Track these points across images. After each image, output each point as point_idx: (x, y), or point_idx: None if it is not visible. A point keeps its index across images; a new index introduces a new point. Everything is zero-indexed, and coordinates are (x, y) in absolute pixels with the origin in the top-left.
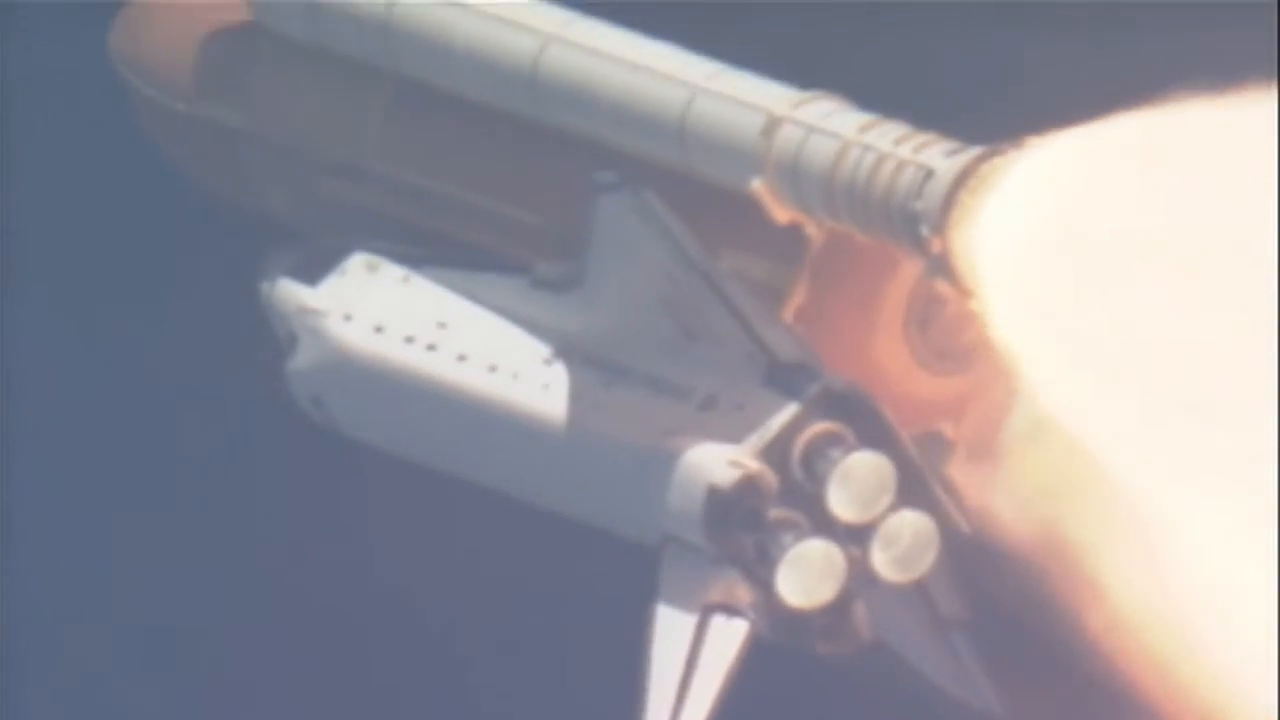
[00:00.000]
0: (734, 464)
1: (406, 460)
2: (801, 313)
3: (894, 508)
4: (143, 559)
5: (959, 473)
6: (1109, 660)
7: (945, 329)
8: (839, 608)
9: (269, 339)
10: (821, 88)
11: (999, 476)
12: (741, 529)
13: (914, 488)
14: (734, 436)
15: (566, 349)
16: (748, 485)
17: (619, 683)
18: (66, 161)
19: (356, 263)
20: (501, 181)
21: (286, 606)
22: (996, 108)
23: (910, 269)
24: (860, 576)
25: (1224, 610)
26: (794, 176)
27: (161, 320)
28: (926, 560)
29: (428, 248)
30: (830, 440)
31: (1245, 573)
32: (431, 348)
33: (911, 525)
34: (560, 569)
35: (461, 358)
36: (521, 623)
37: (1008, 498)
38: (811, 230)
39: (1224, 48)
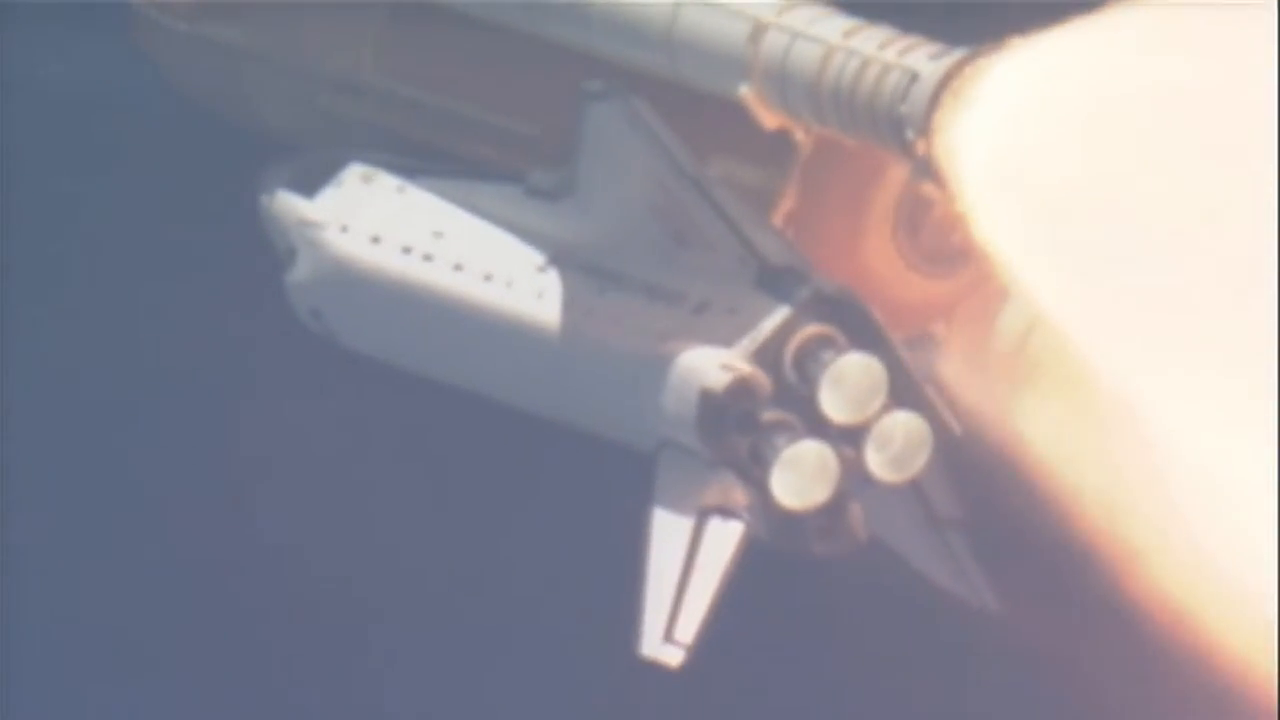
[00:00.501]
0: (726, 367)
1: (404, 370)
2: (791, 217)
3: (886, 409)
4: (143, 556)
5: (952, 374)
6: (1103, 557)
7: (934, 232)
8: (834, 508)
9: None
10: None
11: (992, 377)
12: (735, 431)
13: (905, 389)
14: (726, 340)
15: (560, 256)
16: (740, 388)
17: (616, 586)
18: (67, 162)
19: (353, 174)
20: (495, 93)
21: (291, 604)
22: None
23: (898, 173)
24: (855, 477)
25: (1219, 503)
26: (781, 82)
27: (157, 316)
28: (920, 460)
29: (423, 159)
30: (822, 343)
31: (1238, 464)
32: (428, 257)
33: (904, 425)
34: (555, 476)
35: (457, 266)
36: (518, 529)
37: (1001, 397)
38: (800, 135)
39: None
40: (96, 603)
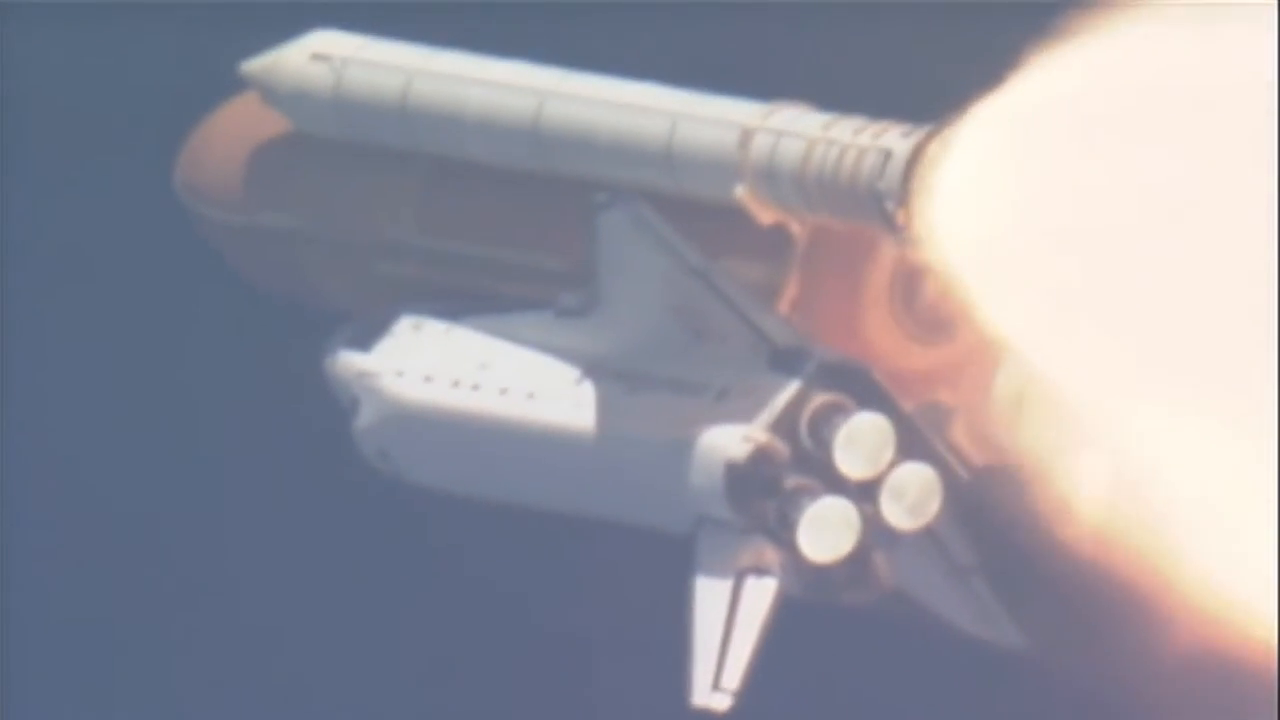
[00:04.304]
0: (746, 439)
1: (465, 496)
2: (795, 304)
3: (896, 462)
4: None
5: (961, 435)
6: (1119, 590)
7: (929, 302)
8: (858, 559)
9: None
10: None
11: (998, 435)
12: (761, 497)
13: (913, 443)
14: (747, 420)
15: (592, 367)
16: (761, 456)
17: (666, 652)
18: (67, 163)
19: (403, 325)
20: (522, 234)
21: (301, 614)
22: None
23: (889, 251)
24: (875, 529)
25: (1222, 535)
26: (771, 179)
27: (145, 312)
28: (933, 507)
29: (464, 301)
30: (832, 409)
31: (1238, 504)
32: (475, 387)
33: (915, 476)
34: (606, 571)
35: (503, 391)
36: (570, 615)
37: (1007, 452)
38: (795, 227)
39: None
40: (93, 604)
